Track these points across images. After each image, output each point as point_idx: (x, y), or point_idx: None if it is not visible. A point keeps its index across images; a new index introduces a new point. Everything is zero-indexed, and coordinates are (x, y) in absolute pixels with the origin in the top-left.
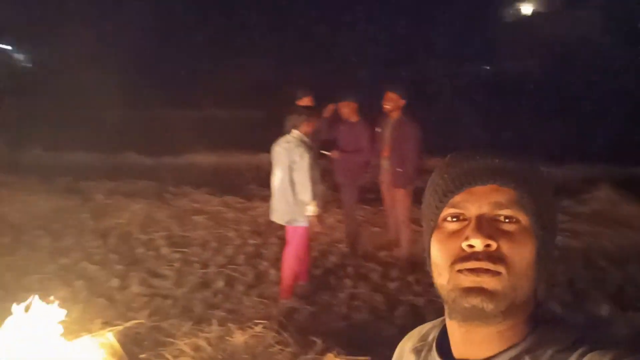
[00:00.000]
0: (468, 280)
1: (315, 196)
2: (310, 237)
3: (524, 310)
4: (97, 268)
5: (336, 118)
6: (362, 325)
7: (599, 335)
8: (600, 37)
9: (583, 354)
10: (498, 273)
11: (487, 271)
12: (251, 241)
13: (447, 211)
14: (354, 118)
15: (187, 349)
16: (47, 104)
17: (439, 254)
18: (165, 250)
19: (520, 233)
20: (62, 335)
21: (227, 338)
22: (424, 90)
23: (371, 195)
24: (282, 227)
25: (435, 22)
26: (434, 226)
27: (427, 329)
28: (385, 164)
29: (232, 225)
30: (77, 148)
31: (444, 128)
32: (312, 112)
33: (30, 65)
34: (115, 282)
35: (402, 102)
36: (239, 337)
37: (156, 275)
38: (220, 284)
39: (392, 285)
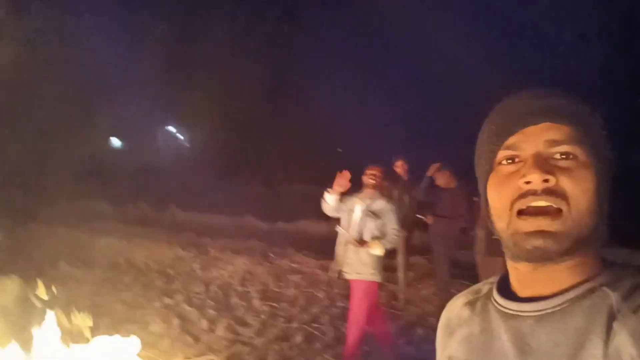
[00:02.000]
0: (528, 225)
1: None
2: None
3: (590, 246)
4: (193, 310)
5: (435, 183)
6: None
7: None
8: None
9: None
10: (559, 211)
11: (546, 212)
12: (339, 304)
13: (502, 154)
14: (451, 184)
15: None
16: (192, 174)
17: (496, 197)
18: (256, 303)
19: (579, 168)
20: None
21: None
22: None
23: (473, 271)
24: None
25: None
26: (490, 170)
27: (478, 286)
28: (480, 233)
29: (323, 286)
30: (206, 210)
31: None
32: None
33: (187, 144)
34: (204, 324)
35: None
36: None
37: (242, 323)
38: (298, 339)
39: None
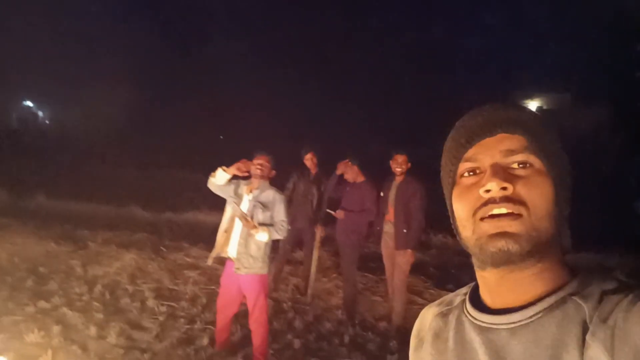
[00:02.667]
0: (491, 227)
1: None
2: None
3: (552, 252)
4: (76, 315)
5: (343, 178)
6: None
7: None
8: (609, 134)
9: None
10: (519, 215)
11: (507, 215)
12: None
13: (463, 167)
14: (359, 179)
15: None
16: (58, 156)
17: (460, 207)
18: (151, 303)
19: (536, 175)
20: None
21: None
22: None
23: (374, 264)
24: (276, 289)
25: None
26: (453, 183)
27: (449, 297)
28: (388, 227)
29: None
30: (80, 199)
31: None
32: None
33: (47, 122)
34: (92, 331)
35: (409, 165)
36: None
37: (138, 327)
38: (204, 341)
39: (391, 359)
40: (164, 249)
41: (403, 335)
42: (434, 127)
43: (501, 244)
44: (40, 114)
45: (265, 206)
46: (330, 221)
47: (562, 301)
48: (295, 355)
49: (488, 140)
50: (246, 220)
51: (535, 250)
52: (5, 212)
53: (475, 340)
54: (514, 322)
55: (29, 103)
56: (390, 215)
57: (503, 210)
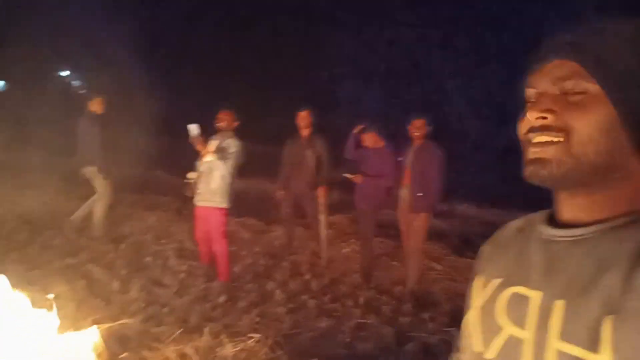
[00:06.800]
0: (530, 153)
1: None
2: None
3: (614, 177)
4: (101, 271)
5: (361, 143)
6: (365, 356)
7: None
8: None
9: None
10: (558, 142)
11: (546, 143)
12: (262, 262)
13: (527, 92)
14: (378, 144)
15: (172, 355)
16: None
17: (519, 131)
18: (173, 261)
19: (588, 102)
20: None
21: (217, 349)
22: None
23: (392, 231)
24: (295, 252)
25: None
26: (524, 109)
27: (533, 215)
28: (404, 192)
29: (245, 245)
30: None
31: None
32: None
33: (83, 91)
34: (115, 286)
35: (428, 128)
36: (229, 349)
37: (159, 283)
38: (222, 298)
39: (404, 320)
40: (188, 212)
41: (417, 298)
42: (454, 91)
43: (531, 169)
44: (75, 83)
45: (222, 149)
46: (348, 186)
47: (632, 222)
48: (309, 315)
49: (545, 67)
50: (200, 144)
51: (571, 175)
52: (34, 169)
53: (534, 249)
54: (575, 236)
55: (64, 73)
56: (406, 179)
57: (542, 139)
